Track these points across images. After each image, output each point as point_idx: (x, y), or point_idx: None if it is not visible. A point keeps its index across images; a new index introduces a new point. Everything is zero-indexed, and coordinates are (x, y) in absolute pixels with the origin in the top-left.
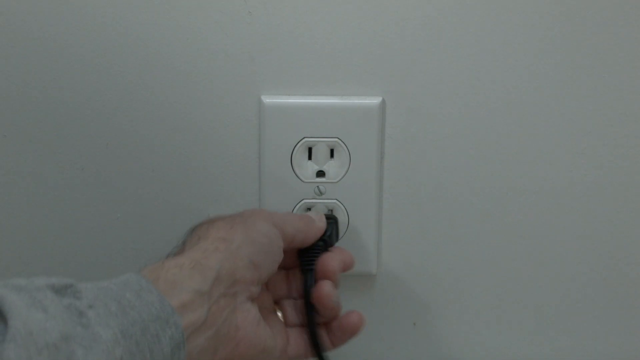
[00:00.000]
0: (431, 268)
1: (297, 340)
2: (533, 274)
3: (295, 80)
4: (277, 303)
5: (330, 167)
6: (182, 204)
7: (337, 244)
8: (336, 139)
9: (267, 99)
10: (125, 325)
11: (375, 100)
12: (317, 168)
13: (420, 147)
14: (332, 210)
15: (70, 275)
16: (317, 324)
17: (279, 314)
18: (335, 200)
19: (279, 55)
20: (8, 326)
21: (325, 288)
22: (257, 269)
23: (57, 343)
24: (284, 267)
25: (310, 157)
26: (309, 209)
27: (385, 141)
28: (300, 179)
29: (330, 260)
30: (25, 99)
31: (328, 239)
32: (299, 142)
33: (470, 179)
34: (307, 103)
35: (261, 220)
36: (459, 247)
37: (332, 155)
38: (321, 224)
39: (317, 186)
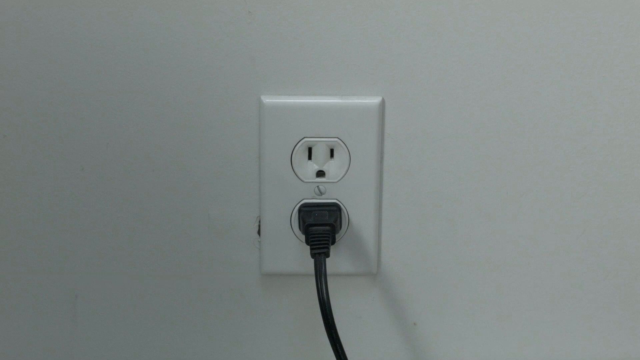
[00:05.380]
0: (431, 268)
1: None
2: (533, 273)
3: (295, 80)
4: None
5: (330, 167)
6: (182, 204)
7: (337, 245)
8: (336, 139)
9: (267, 99)
10: None
11: (375, 100)
12: (317, 168)
13: (420, 147)
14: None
15: (70, 275)
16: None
17: None
18: (335, 200)
19: (279, 55)
20: None
21: None
22: None
23: None
24: None
25: (310, 157)
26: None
27: (385, 141)
28: (300, 179)
29: None
30: (25, 99)
31: (334, 223)
32: (299, 142)
33: (470, 179)
34: (307, 103)
35: None
36: (459, 247)
37: (332, 155)
38: None
39: (317, 186)
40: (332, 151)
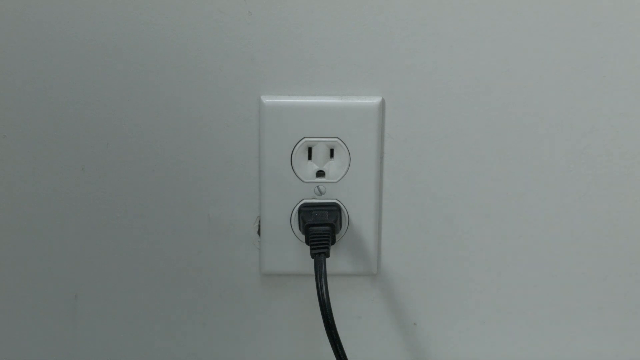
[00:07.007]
0: (431, 268)
1: None
2: (533, 273)
3: (295, 80)
4: None
5: (330, 167)
6: (182, 204)
7: (337, 245)
8: (336, 139)
9: (267, 99)
10: None
11: (375, 100)
12: (317, 168)
13: (420, 147)
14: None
15: (70, 275)
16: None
17: None
18: (335, 200)
19: (279, 55)
20: None
21: None
22: None
23: None
24: None
25: (310, 157)
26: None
27: (385, 141)
28: (300, 179)
29: None
30: (25, 99)
31: (334, 223)
32: (299, 142)
33: (470, 179)
34: (307, 103)
35: None
36: (459, 247)
37: (332, 155)
38: None
39: (317, 186)
40: (332, 151)
